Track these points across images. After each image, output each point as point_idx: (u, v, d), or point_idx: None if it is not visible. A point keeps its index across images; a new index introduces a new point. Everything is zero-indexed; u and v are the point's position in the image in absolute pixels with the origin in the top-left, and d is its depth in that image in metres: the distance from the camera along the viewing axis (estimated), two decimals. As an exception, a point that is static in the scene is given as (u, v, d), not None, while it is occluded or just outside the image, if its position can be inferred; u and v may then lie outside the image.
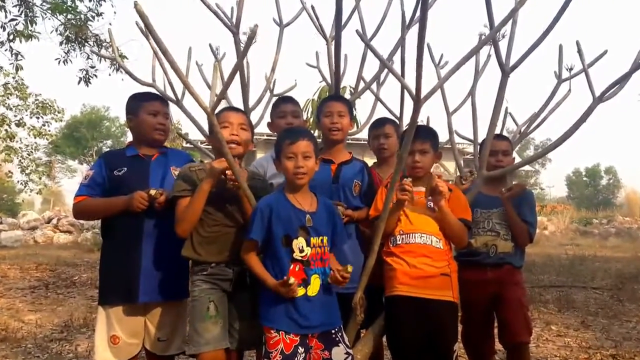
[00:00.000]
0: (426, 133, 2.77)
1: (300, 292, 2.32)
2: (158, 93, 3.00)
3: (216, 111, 2.58)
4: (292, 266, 2.34)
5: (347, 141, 3.13)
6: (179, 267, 2.79)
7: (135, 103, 2.90)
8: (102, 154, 3.02)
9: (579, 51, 3.10)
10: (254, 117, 3.25)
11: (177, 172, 2.73)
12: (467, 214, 2.77)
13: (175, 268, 2.77)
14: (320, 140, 3.20)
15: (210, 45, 3.90)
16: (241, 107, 3.49)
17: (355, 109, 4.48)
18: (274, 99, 3.69)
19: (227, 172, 2.46)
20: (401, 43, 3.34)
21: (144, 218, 2.71)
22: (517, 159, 3.50)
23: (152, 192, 2.66)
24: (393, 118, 3.52)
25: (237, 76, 3.31)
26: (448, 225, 2.66)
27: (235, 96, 3.65)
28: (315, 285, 2.36)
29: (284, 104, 3.38)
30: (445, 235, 2.69)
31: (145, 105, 2.86)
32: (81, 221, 14.35)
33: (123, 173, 2.80)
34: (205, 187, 2.46)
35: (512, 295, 3.13)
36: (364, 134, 3.56)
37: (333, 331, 2.39)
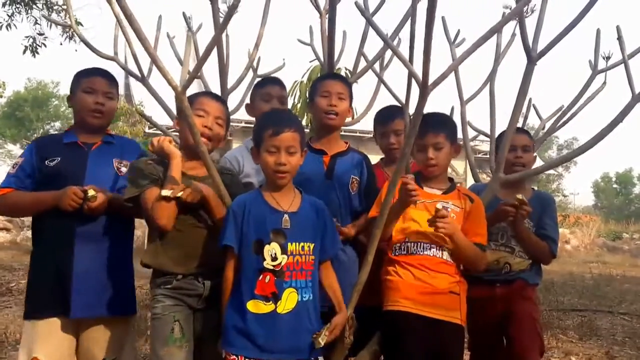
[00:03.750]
0: (439, 123, 2.75)
1: (267, 308, 2.30)
2: (104, 69, 2.93)
3: (190, 93, 2.55)
4: (260, 277, 2.31)
5: (341, 132, 3.11)
6: (123, 276, 2.77)
7: (75, 79, 2.90)
8: (35, 139, 2.99)
9: (619, 38, 3.10)
10: (233, 100, 3.22)
11: (128, 166, 2.72)
12: (483, 236, 2.74)
13: (118, 277, 2.75)
14: (307, 130, 3.18)
15: (183, 14, 3.88)
16: (218, 88, 3.47)
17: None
18: (258, 80, 3.66)
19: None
20: (411, 17, 3.33)
21: (76, 217, 2.66)
22: (538, 161, 3.51)
23: (91, 192, 2.59)
24: (398, 105, 3.50)
25: (215, 52, 3.29)
26: (461, 253, 2.65)
27: (211, 75, 3.63)
28: (290, 301, 2.32)
29: (270, 85, 3.35)
30: (455, 258, 2.68)
31: (83, 82, 2.85)
32: (22, 218, 14.21)
33: (55, 163, 2.76)
34: (179, 170, 2.48)
35: (521, 308, 3.11)
36: (359, 126, 3.55)
37: None
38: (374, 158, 3.38)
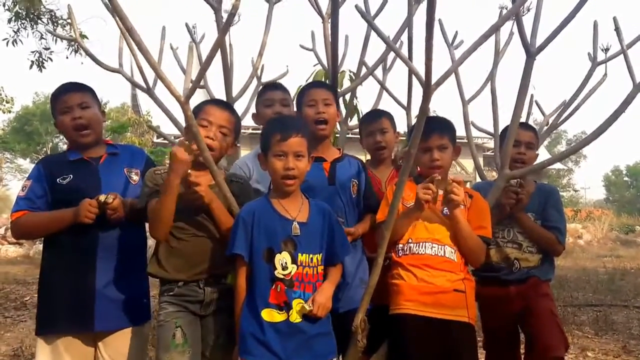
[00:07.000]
0: (443, 126, 2.78)
1: (281, 317, 2.32)
2: (72, 82, 2.90)
3: (197, 102, 2.58)
4: (273, 286, 2.33)
5: (347, 135, 3.15)
6: (141, 286, 2.81)
7: (51, 105, 2.86)
8: (39, 160, 2.96)
9: (617, 29, 3.12)
10: (238, 109, 3.25)
11: (140, 176, 2.74)
12: (487, 229, 2.76)
13: (136, 288, 2.78)
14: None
15: (186, 25, 3.91)
16: (223, 97, 3.50)
17: (356, 97, 4.51)
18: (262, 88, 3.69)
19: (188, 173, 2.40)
20: (409, 20, 3.35)
21: (97, 232, 2.68)
22: (546, 155, 3.52)
23: (102, 197, 2.61)
24: (391, 110, 3.52)
25: (219, 61, 3.33)
26: (462, 239, 2.66)
27: (216, 84, 3.66)
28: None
29: (271, 90, 3.38)
30: (458, 249, 2.70)
31: (57, 104, 2.82)
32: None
33: (68, 181, 2.74)
34: (174, 180, 2.38)
35: (540, 305, 3.11)
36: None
37: None
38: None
